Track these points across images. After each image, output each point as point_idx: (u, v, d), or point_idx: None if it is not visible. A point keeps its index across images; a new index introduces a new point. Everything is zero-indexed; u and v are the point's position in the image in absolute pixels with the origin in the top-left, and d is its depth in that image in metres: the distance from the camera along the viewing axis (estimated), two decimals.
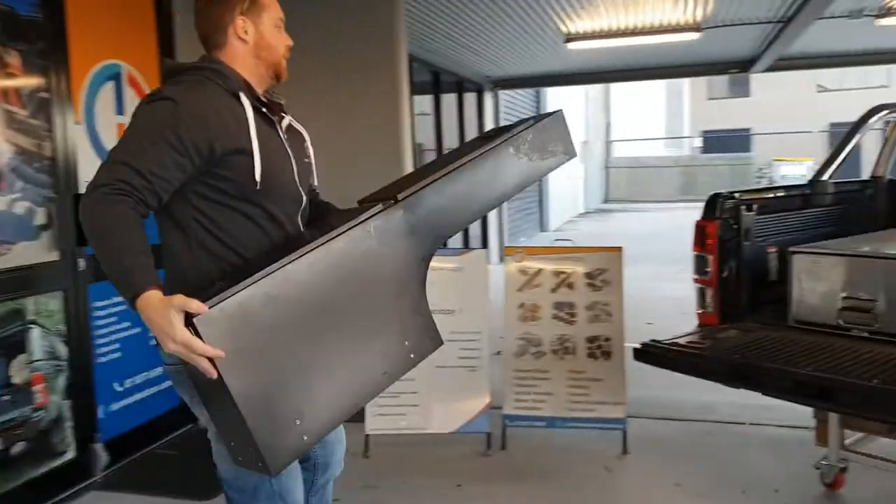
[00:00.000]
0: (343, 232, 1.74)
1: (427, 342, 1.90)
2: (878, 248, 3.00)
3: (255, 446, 1.60)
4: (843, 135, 3.73)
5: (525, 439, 4.01)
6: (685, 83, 30.20)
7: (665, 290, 8.62)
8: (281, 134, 1.91)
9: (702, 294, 3.22)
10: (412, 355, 1.87)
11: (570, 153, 2.15)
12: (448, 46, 8.13)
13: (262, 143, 1.80)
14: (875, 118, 3.72)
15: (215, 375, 1.54)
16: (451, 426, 3.95)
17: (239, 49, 1.88)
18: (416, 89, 8.26)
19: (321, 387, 1.71)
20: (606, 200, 24.28)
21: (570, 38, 7.75)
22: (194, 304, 1.54)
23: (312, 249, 1.70)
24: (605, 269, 3.96)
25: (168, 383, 4.21)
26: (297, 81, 4.45)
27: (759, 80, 28.41)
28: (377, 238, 1.79)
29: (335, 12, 4.73)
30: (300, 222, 1.94)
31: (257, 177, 1.78)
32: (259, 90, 1.91)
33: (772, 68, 9.73)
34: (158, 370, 4.15)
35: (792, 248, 3.02)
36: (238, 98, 1.82)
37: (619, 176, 25.06)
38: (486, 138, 2.09)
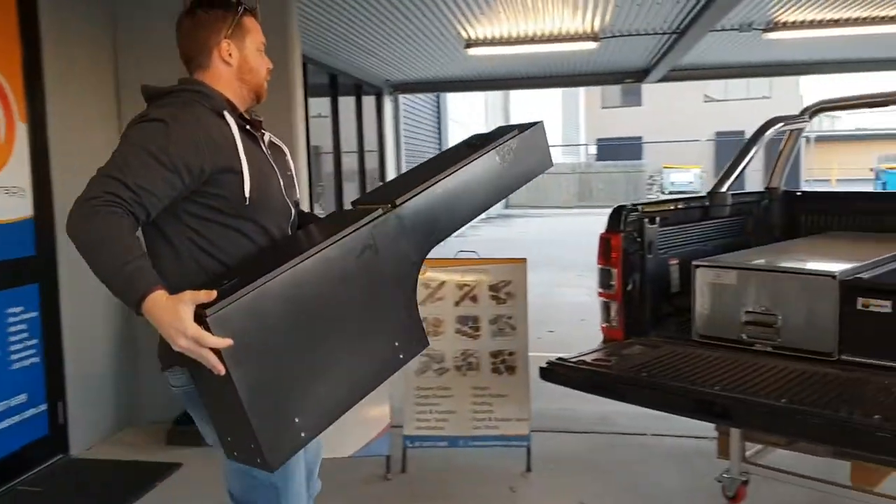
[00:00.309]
0: (346, 234, 1.79)
1: (415, 343, 1.97)
2: (779, 260, 2.99)
3: (256, 442, 1.64)
4: (742, 146, 3.74)
5: (426, 460, 3.84)
6: (580, 93, 30.94)
7: (565, 296, 8.68)
8: (265, 150, 1.95)
9: (606, 308, 3.13)
10: (401, 356, 1.93)
11: (548, 163, 2.26)
12: (346, 49, 7.92)
13: (249, 159, 1.83)
14: (771, 130, 3.76)
15: (223, 371, 1.57)
16: (348, 450, 3.74)
17: (223, 71, 1.93)
18: (313, 91, 8.01)
19: (319, 384, 1.75)
20: (507, 206, 24.52)
21: (469, 43, 7.68)
22: (203, 295, 1.58)
23: (318, 251, 1.74)
24: (509, 280, 3.85)
25: (33, 411, 3.83)
26: None
27: (650, 91, 29.45)
28: (376, 240, 1.85)
29: None
30: (290, 234, 1.99)
31: (247, 193, 1.81)
32: (240, 110, 1.94)
33: (665, 78, 10.00)
34: (21, 397, 3.74)
35: (695, 262, 2.98)
36: (223, 117, 1.84)
37: None
38: (471, 146, 2.14)
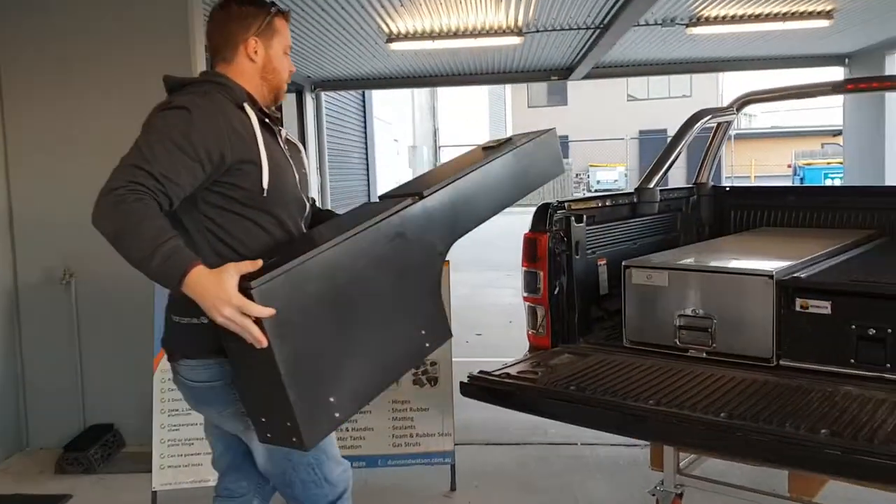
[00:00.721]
0: (380, 220, 1.87)
1: (440, 332, 2.05)
2: (713, 260, 2.82)
3: (293, 419, 1.66)
4: (669, 140, 3.58)
5: None
6: (507, 92, 30.99)
7: (492, 297, 8.50)
8: (282, 144, 1.98)
9: (533, 313, 2.91)
10: (427, 344, 2.01)
11: (560, 168, 2.44)
12: None
13: (267, 152, 1.85)
14: (699, 124, 3.60)
15: (265, 343, 1.59)
16: None
17: (246, 67, 1.95)
18: None
19: (352, 365, 1.79)
20: None
21: (391, 38, 7.40)
22: (248, 265, 1.64)
23: (354, 234, 1.81)
24: None
25: None
26: (87, 82, 3.65)
27: (574, 91, 29.73)
28: (405, 228, 1.93)
29: (122, 6, 4.12)
30: (304, 228, 2.03)
31: (265, 184, 1.83)
32: (259, 105, 1.96)
33: (590, 76, 9.93)
34: None
35: (626, 263, 2.78)
36: (243, 109, 1.87)
37: None
38: (487, 148, 2.30)
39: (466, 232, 2.17)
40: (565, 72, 9.96)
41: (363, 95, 14.13)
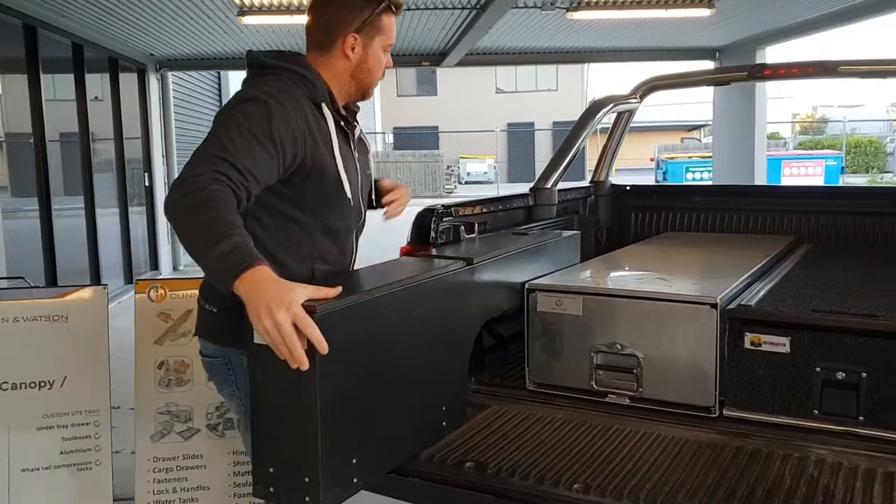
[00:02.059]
0: (433, 275, 1.82)
1: (456, 415, 1.93)
2: (638, 282, 2.28)
3: (314, 473, 1.45)
4: (569, 133, 3.06)
5: None
6: None
7: None
8: (353, 148, 1.86)
9: None
10: (444, 423, 1.87)
11: (576, 261, 2.59)
12: (93, 14, 6.49)
13: (341, 160, 1.74)
14: (601, 112, 3.09)
15: (307, 366, 1.38)
16: None
17: (339, 63, 1.80)
18: (51, 66, 6.53)
19: (377, 430, 1.62)
20: None
21: (244, 10, 6.55)
22: (332, 291, 1.48)
23: (410, 282, 1.72)
24: None
25: None
26: None
27: (444, 81, 29.46)
28: (455, 291, 1.91)
29: None
30: (355, 236, 1.89)
31: (330, 192, 1.73)
32: (340, 102, 1.83)
33: (463, 62, 9.47)
34: None
35: (530, 285, 2.20)
36: (321, 109, 1.74)
37: None
38: (518, 234, 2.51)
39: (498, 314, 2.15)
40: (438, 57, 9.42)
41: (219, 77, 13.04)
